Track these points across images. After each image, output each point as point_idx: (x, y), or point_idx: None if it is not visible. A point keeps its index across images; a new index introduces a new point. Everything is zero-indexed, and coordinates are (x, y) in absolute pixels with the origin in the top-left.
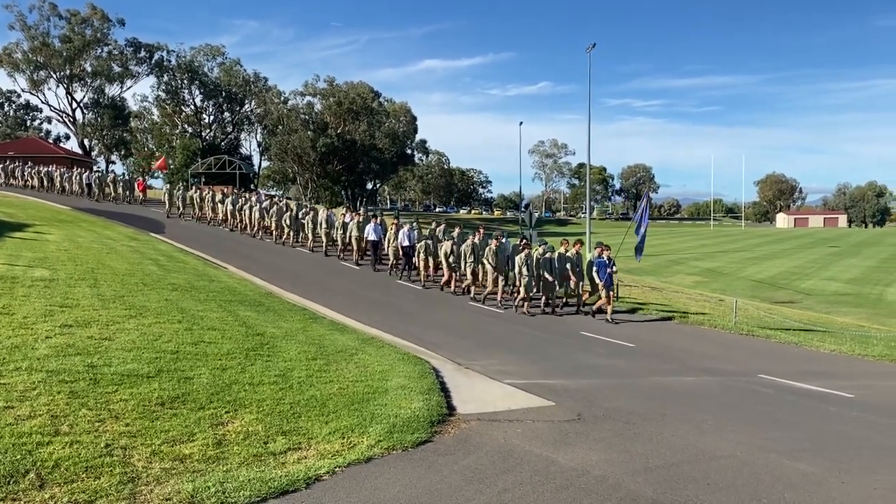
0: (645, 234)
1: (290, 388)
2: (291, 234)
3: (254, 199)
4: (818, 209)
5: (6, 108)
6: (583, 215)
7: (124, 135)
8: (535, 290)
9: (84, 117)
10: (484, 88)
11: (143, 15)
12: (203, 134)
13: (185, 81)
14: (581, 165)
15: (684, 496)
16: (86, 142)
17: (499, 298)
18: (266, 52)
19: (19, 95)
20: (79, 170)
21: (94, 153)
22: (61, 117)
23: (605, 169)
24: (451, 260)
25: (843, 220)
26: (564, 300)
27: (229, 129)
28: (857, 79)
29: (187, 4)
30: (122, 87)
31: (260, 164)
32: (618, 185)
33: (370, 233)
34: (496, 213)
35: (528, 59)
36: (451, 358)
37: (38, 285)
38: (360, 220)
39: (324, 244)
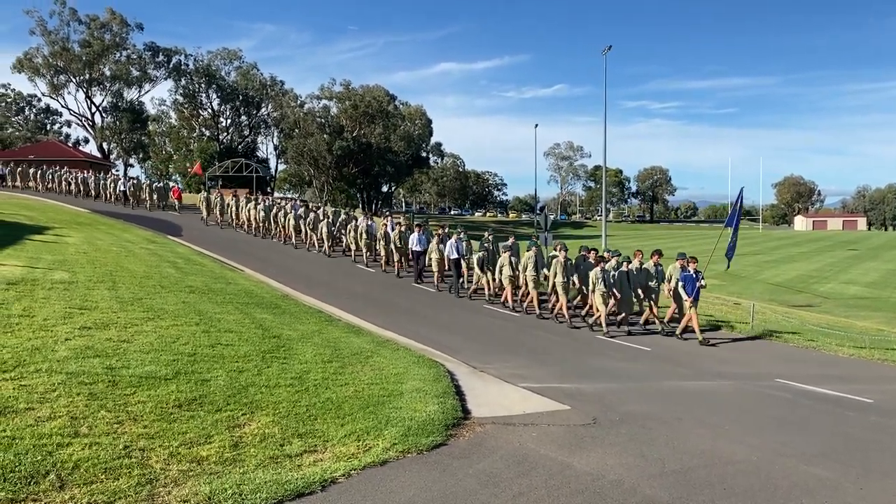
0: (736, 239)
1: (306, 391)
2: (327, 243)
3: (289, 206)
4: (837, 212)
5: (27, 112)
6: (599, 218)
7: (142, 138)
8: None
9: (103, 121)
10: (499, 91)
11: (162, 19)
12: (220, 137)
13: (203, 85)
14: (597, 168)
15: (700, 501)
16: (104, 145)
17: (565, 315)
18: (283, 56)
19: (40, 99)
20: (113, 176)
21: (112, 156)
22: (80, 121)
23: (621, 171)
24: (509, 273)
25: (862, 222)
26: (643, 321)
27: (246, 132)
28: (876, 80)
29: (205, 9)
30: (140, 91)
31: (276, 167)
32: (634, 188)
33: (414, 243)
34: (511, 215)
35: (544, 61)
36: (465, 361)
37: (57, 288)
38: (403, 229)
39: (364, 255)
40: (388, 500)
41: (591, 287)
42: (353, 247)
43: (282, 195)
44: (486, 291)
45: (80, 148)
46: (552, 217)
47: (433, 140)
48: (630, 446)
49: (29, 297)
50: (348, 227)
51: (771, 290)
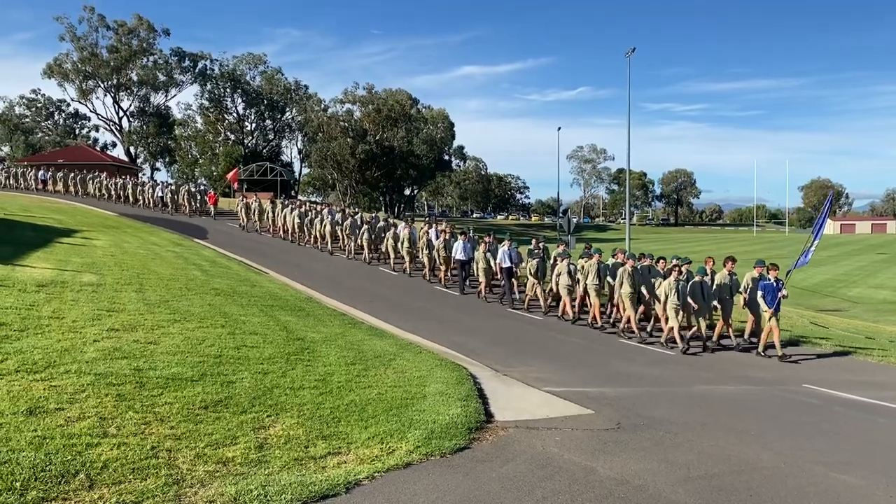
0: (813, 248)
1: (330, 393)
2: (367, 249)
3: (325, 211)
4: (865, 215)
5: (56, 117)
6: (622, 221)
7: (169, 142)
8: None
9: (130, 125)
10: (522, 94)
11: (188, 25)
12: (245, 141)
13: (228, 90)
14: (620, 171)
15: None
16: (131, 149)
17: (635, 329)
18: (307, 60)
19: (69, 104)
20: (152, 182)
21: (139, 160)
22: (108, 125)
23: (644, 174)
24: (567, 282)
25: (892, 226)
26: (716, 336)
27: (271, 136)
28: None
29: (231, 14)
30: (166, 96)
31: (300, 170)
32: (658, 191)
33: (458, 251)
34: (534, 218)
35: (568, 63)
36: (488, 364)
37: (86, 290)
38: (448, 236)
39: (406, 264)
40: (412, 503)
41: (662, 298)
42: (391, 254)
43: (306, 198)
44: (542, 303)
45: (108, 152)
46: (575, 220)
47: (455, 143)
48: (654, 451)
49: (58, 300)
50: (387, 233)
51: (798, 294)
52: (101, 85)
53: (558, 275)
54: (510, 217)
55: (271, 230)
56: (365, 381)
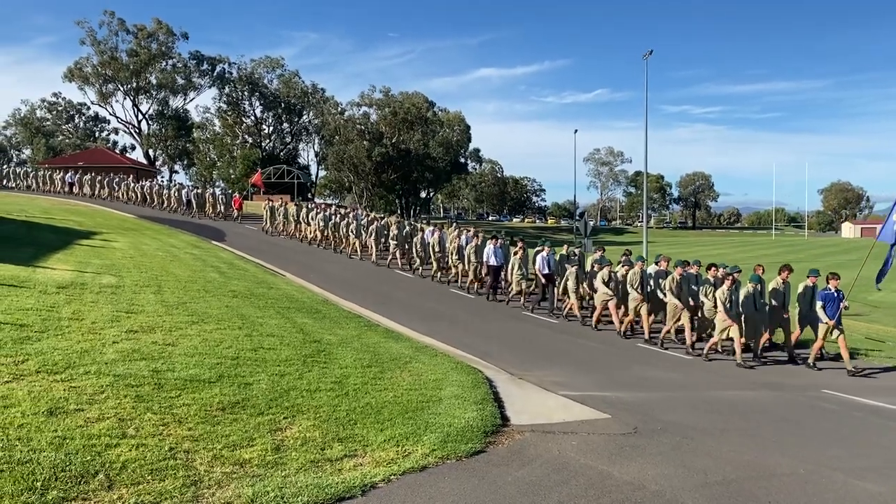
0: (891, 256)
1: (346, 395)
2: (398, 254)
3: (351, 215)
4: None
5: (76, 120)
6: (639, 224)
7: (187, 145)
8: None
9: (149, 128)
10: (539, 96)
11: (206, 28)
12: (263, 144)
13: (246, 93)
14: (637, 173)
15: None
16: (150, 152)
17: (689, 342)
18: (324, 63)
19: (89, 108)
20: (178, 185)
21: (157, 163)
22: (127, 128)
23: (662, 177)
24: (607, 291)
25: None
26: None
27: (288, 139)
28: None
29: (249, 18)
30: (185, 99)
31: (317, 173)
32: (675, 194)
33: (490, 256)
34: (550, 221)
35: (585, 66)
36: (505, 368)
37: (105, 291)
38: (479, 241)
39: (435, 270)
40: None
41: (718, 307)
42: (418, 260)
43: (322, 201)
44: (576, 312)
45: (127, 155)
46: (592, 223)
47: (472, 146)
48: (672, 456)
49: (78, 301)
50: (414, 238)
51: None
52: (121, 88)
53: (604, 282)
54: (526, 220)
55: (296, 233)
56: (381, 384)
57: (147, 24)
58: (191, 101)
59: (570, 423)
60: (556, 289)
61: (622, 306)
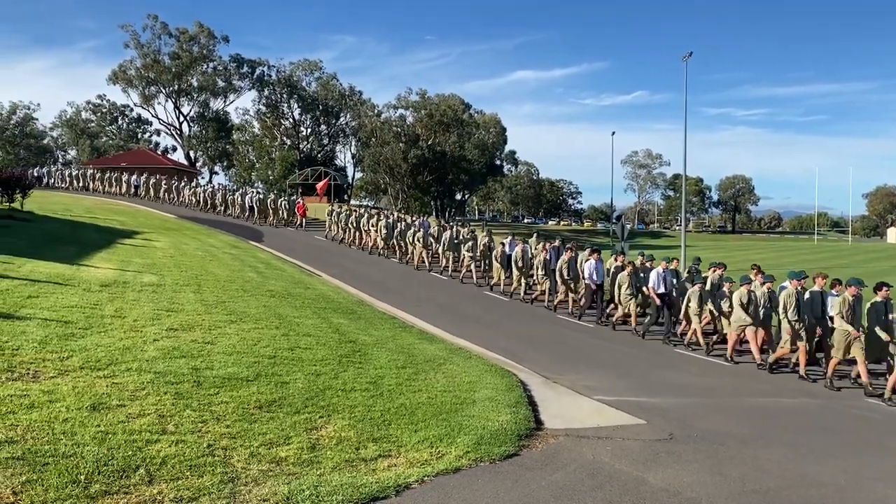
0: None
1: (381, 396)
2: (473, 268)
3: (417, 223)
4: None
5: (120, 122)
6: (678, 227)
7: (227, 147)
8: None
9: (190, 130)
10: (577, 98)
11: (247, 32)
12: (300, 146)
13: (285, 95)
14: (676, 176)
15: None
16: (191, 153)
17: (800, 362)
18: (362, 66)
19: (132, 109)
20: (241, 190)
21: (198, 164)
22: (169, 130)
23: (701, 180)
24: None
25: None
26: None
27: (325, 141)
28: None
29: (289, 22)
30: (225, 101)
31: (353, 175)
32: (715, 197)
33: (591, 273)
34: (586, 224)
35: (624, 67)
36: (538, 371)
37: (146, 290)
38: (571, 255)
39: (520, 287)
40: None
41: (780, 314)
42: (496, 276)
43: (358, 202)
44: (700, 340)
45: (168, 156)
46: (629, 226)
47: (507, 148)
48: (708, 464)
49: (120, 299)
50: (493, 252)
51: None
52: (163, 90)
53: (741, 304)
54: (562, 222)
55: (354, 241)
56: (415, 385)
57: (189, 27)
58: (231, 103)
59: (605, 427)
60: (657, 308)
61: (762, 331)
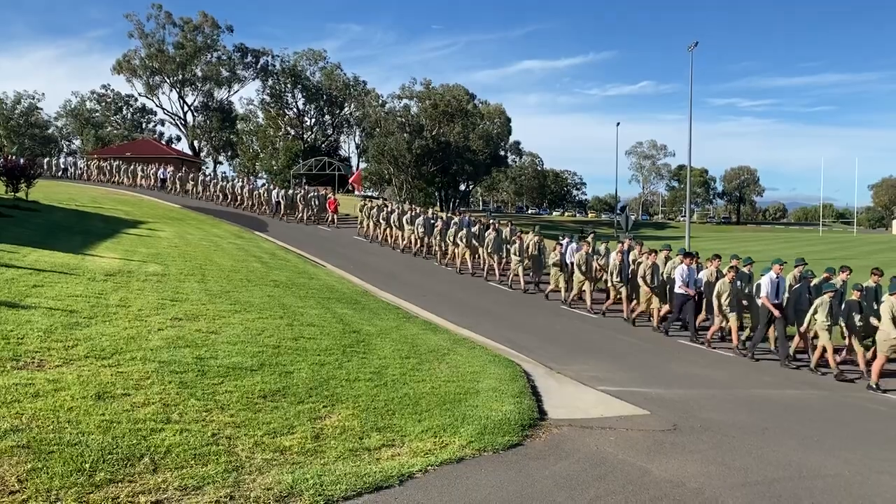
0: None
1: (385, 386)
2: (521, 272)
3: (457, 218)
4: None
5: (124, 112)
6: (682, 218)
7: (231, 137)
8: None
9: (194, 120)
10: (583, 88)
11: (251, 22)
12: (304, 136)
13: (289, 85)
14: (681, 167)
15: None
16: (195, 143)
17: (835, 361)
18: (367, 56)
19: (136, 99)
20: (268, 186)
21: (202, 154)
22: (173, 120)
23: (706, 171)
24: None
25: None
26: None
27: (329, 131)
28: None
29: (294, 11)
30: (229, 91)
31: (358, 165)
32: (720, 188)
33: (683, 279)
34: (590, 215)
35: (630, 58)
36: (542, 362)
37: (151, 280)
38: (653, 261)
39: (569, 293)
40: (465, 498)
41: (811, 311)
42: (554, 283)
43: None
44: (832, 362)
45: (173, 145)
46: (633, 217)
47: (512, 139)
48: (711, 454)
49: (125, 289)
50: (551, 254)
51: None
52: (167, 80)
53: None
54: (566, 213)
55: (385, 239)
56: (419, 375)
57: (193, 17)
58: (235, 93)
59: (608, 418)
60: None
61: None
